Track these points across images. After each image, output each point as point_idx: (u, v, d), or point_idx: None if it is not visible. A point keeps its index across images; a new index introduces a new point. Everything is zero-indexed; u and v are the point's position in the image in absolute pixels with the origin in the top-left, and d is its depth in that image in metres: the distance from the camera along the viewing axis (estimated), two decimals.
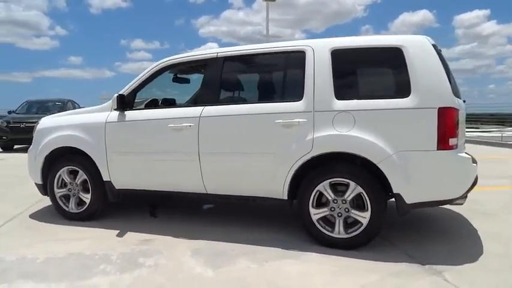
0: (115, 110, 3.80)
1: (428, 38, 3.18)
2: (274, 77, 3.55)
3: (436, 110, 2.94)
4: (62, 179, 4.12)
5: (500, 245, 3.29)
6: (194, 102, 3.96)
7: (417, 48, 3.08)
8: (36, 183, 4.29)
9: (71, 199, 4.13)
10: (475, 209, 4.34)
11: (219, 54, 3.63)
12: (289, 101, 3.31)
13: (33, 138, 4.31)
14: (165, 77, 4.27)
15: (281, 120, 3.26)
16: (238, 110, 3.46)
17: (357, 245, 3.17)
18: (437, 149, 2.94)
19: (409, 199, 3.01)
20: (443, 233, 3.60)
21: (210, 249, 3.23)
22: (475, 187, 3.24)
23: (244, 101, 3.69)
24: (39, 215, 4.32)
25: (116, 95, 3.74)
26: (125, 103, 3.81)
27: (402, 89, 3.04)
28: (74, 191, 4.11)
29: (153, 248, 3.29)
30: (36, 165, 4.18)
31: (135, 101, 4.01)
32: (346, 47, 3.26)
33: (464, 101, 3.74)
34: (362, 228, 3.13)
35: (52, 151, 4.09)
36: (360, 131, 3.07)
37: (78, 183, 4.07)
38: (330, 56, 3.24)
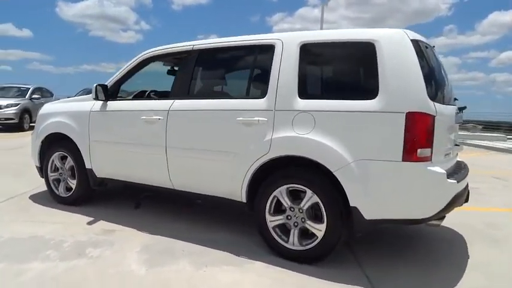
0: (94, 99, 3.85)
1: (409, 32, 2.76)
2: (243, 71, 3.34)
3: (404, 114, 2.55)
4: (55, 163, 4.29)
5: (486, 280, 2.79)
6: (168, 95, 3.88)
7: (392, 44, 2.69)
8: (36, 166, 4.52)
9: (60, 183, 4.29)
10: (484, 232, 3.78)
11: (194, 46, 3.51)
12: (253, 98, 3.09)
13: (35, 123, 4.54)
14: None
15: (242, 118, 3.06)
16: (203, 105, 3.31)
17: (310, 259, 2.88)
18: (403, 160, 2.55)
19: (368, 214, 2.65)
20: (424, 258, 3.12)
21: (161, 246, 3.14)
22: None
23: (212, 96, 3.53)
24: (38, 197, 4.53)
25: (95, 84, 3.78)
26: (108, 93, 3.85)
27: (370, 89, 2.68)
28: (64, 176, 4.27)
29: (110, 239, 3.28)
30: (35, 149, 4.40)
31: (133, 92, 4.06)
32: (316, 41, 2.96)
33: (462, 109, 3.24)
34: (317, 241, 2.84)
35: (47, 136, 4.27)
36: (319, 134, 2.76)
37: (67, 168, 4.22)
38: (298, 50, 2.96)
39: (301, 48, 2.96)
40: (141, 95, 4.14)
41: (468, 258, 3.15)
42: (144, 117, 3.55)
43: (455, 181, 2.67)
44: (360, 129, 2.67)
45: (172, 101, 3.47)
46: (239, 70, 3.43)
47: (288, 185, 2.92)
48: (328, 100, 2.81)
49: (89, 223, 3.68)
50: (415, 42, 2.73)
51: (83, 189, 4.13)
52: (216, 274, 2.70)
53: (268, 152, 2.93)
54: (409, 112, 2.54)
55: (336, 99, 2.79)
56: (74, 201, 4.19)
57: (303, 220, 2.89)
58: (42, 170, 4.40)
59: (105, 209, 4.11)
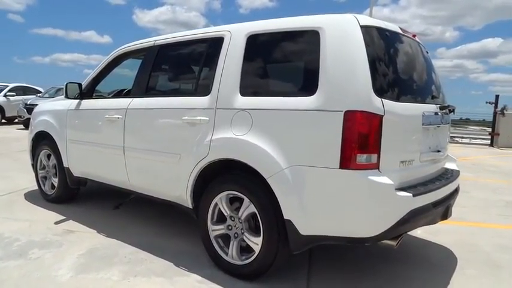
0: (65, 97, 3.83)
1: (364, 18, 2.34)
2: (195, 67, 3.08)
3: (342, 113, 2.15)
4: (42, 161, 4.36)
5: None
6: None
7: (337, 32, 2.30)
8: (31, 163, 4.64)
9: (46, 181, 4.35)
10: (489, 255, 3.18)
11: (156, 42, 3.34)
12: (199, 96, 2.84)
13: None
14: None
15: (187, 117, 2.83)
16: (154, 103, 3.13)
17: (247, 275, 2.56)
18: (340, 168, 2.15)
19: (303, 230, 2.28)
20: (387, 284, 2.67)
21: (106, 251, 3.00)
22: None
23: (165, 93, 3.32)
24: (32, 194, 4.62)
25: (66, 82, 3.75)
26: (82, 92, 3.81)
27: (309, 84, 2.31)
28: (49, 174, 4.32)
29: (63, 240, 3.21)
30: (28, 146, 4.52)
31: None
32: (263, 31, 2.63)
33: (444, 108, 2.72)
34: (253, 256, 2.52)
35: (36, 134, 4.35)
36: (255, 135, 2.44)
37: (51, 166, 4.27)
38: (244, 42, 2.66)
39: (248, 40, 2.65)
40: (119, 94, 4.07)
41: None
42: (107, 116, 3.46)
43: (409, 194, 2.20)
44: (296, 130, 2.31)
45: (131, 99, 3.33)
46: (191, 66, 3.19)
47: (227, 192, 2.63)
48: (267, 97, 2.48)
49: (57, 222, 3.65)
50: (370, 29, 2.31)
51: (63, 187, 4.14)
52: (137, 286, 2.49)
53: (207, 154, 2.67)
54: (347, 111, 2.14)
55: (276, 96, 2.46)
56: (57, 199, 4.22)
57: (242, 231, 2.59)
58: (34, 167, 4.51)
59: (84, 208, 4.09)
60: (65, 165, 3.99)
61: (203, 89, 2.83)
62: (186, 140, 2.83)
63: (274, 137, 2.38)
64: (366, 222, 2.18)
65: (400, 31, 2.61)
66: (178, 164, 2.88)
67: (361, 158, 2.13)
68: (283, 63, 2.62)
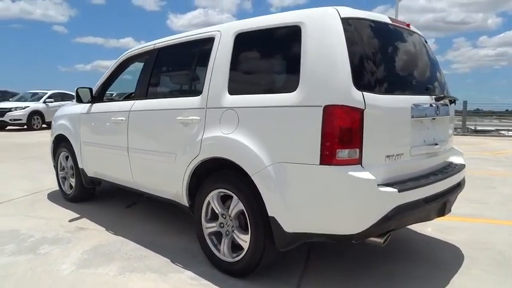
0: (76, 102, 4.00)
1: (345, 9, 2.29)
2: (190, 68, 3.11)
3: (322, 108, 2.12)
4: (61, 162, 4.59)
5: None
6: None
7: (318, 25, 2.27)
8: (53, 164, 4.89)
9: (66, 181, 4.57)
10: (501, 254, 3.02)
11: (156, 45, 3.43)
12: (192, 96, 2.88)
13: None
14: None
15: (181, 118, 2.88)
16: (152, 105, 3.21)
17: (238, 273, 2.58)
18: (320, 164, 2.12)
19: (288, 227, 2.27)
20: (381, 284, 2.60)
21: (109, 248, 3.12)
22: None
23: (163, 95, 3.38)
24: (55, 194, 4.87)
25: (76, 88, 3.92)
26: (92, 96, 3.97)
27: (291, 80, 2.29)
28: (68, 175, 4.54)
29: (71, 236, 3.37)
30: (50, 148, 4.76)
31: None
32: (249, 29, 2.64)
33: (449, 100, 2.61)
34: (243, 254, 2.53)
35: (55, 137, 4.58)
36: (241, 133, 2.46)
37: (68, 167, 4.48)
38: (233, 41, 2.68)
39: (236, 39, 2.67)
40: (128, 97, 4.19)
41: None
42: (113, 118, 3.59)
43: (394, 190, 2.14)
44: (278, 127, 2.30)
45: (134, 101, 3.44)
46: (187, 66, 3.23)
47: (219, 190, 2.66)
48: (252, 95, 2.49)
49: (71, 220, 3.83)
50: (352, 21, 2.26)
51: (79, 187, 4.33)
52: (131, 281, 2.57)
53: (198, 153, 2.71)
54: (327, 105, 2.11)
55: (261, 93, 2.46)
56: (75, 199, 4.43)
57: (232, 229, 2.61)
58: (55, 168, 4.75)
59: (98, 207, 4.27)
60: (79, 166, 4.17)
61: (196, 89, 2.88)
62: (181, 140, 2.89)
63: (258, 134, 2.38)
64: (348, 219, 2.14)
65: (389, 21, 2.53)
66: (174, 163, 2.94)
67: (342, 154, 2.09)
68: (268, 60, 2.60)
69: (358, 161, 2.12)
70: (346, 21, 2.23)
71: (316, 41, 2.23)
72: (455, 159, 2.98)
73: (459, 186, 2.78)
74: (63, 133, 4.38)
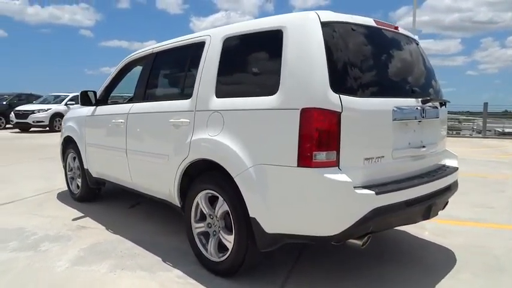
0: (82, 105, 4.14)
1: (326, 13, 2.31)
2: (182, 71, 3.18)
3: (299, 111, 2.15)
4: (69, 163, 4.75)
5: None
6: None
7: (298, 29, 2.30)
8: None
9: (73, 181, 4.73)
10: (496, 259, 2.96)
11: (154, 49, 3.52)
12: (183, 99, 2.96)
13: None
14: None
15: (172, 120, 2.96)
16: (148, 107, 3.31)
17: (223, 272, 2.63)
18: (298, 166, 2.15)
19: (268, 228, 2.31)
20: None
21: (106, 246, 3.22)
22: None
23: (158, 98, 3.46)
24: (65, 193, 5.05)
25: (81, 91, 4.05)
26: (96, 99, 4.10)
27: (272, 84, 2.33)
28: (75, 175, 4.70)
29: (72, 234, 3.50)
30: (59, 150, 4.94)
31: None
32: (236, 33, 2.69)
33: (438, 103, 2.59)
34: (227, 254, 2.58)
35: (64, 138, 4.75)
36: (226, 135, 2.51)
37: (75, 167, 4.63)
38: (221, 45, 2.74)
39: (224, 43, 2.73)
40: (131, 99, 4.31)
41: None
42: (113, 120, 3.70)
43: (371, 192, 2.14)
44: (259, 129, 2.35)
45: (132, 104, 3.54)
46: (180, 70, 3.30)
47: (206, 191, 2.72)
48: (237, 98, 2.54)
49: (74, 219, 3.97)
50: (332, 25, 2.28)
51: (85, 187, 4.48)
52: (121, 279, 2.66)
53: (187, 155, 2.78)
54: (304, 108, 2.14)
55: (245, 96, 2.51)
56: (81, 198, 4.58)
57: (219, 229, 2.67)
58: (64, 168, 4.92)
59: (103, 207, 4.40)
60: (85, 167, 4.32)
61: (187, 92, 2.95)
62: (173, 142, 2.96)
63: (241, 136, 2.43)
64: (326, 220, 2.16)
65: (374, 24, 2.53)
66: (167, 164, 3.02)
67: (319, 156, 2.11)
68: (253, 63, 2.64)
69: (336, 164, 2.14)
70: (326, 25, 2.25)
71: (296, 44, 2.26)
72: (448, 162, 2.94)
73: (449, 189, 2.74)
74: (70, 135, 4.54)
